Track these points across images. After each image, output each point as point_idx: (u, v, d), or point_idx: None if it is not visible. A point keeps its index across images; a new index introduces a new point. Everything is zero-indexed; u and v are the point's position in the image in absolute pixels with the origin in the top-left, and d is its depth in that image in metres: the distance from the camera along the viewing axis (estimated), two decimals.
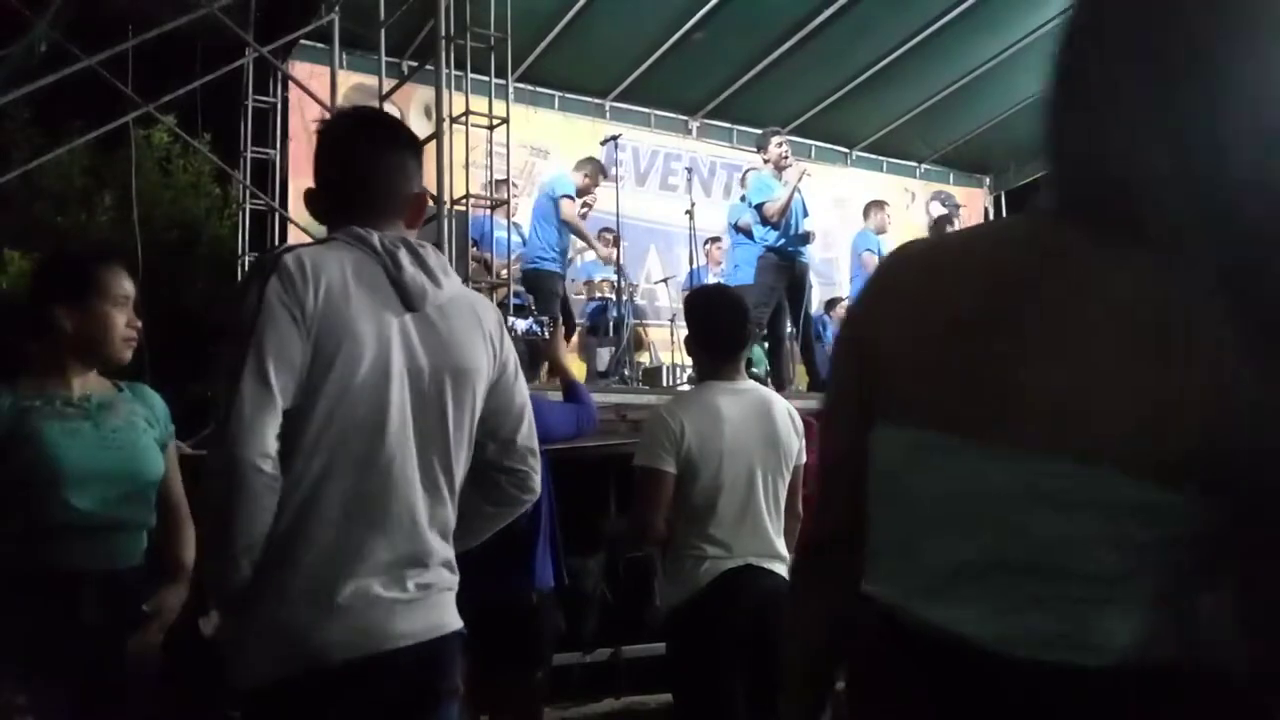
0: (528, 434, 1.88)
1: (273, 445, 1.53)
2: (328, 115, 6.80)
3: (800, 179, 6.75)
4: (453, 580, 1.74)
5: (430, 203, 5.69)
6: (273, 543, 1.56)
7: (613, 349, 7.17)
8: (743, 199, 7.27)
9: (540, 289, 6.59)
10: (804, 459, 2.97)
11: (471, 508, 1.82)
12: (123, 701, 2.09)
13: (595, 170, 7.17)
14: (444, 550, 1.72)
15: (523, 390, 1.89)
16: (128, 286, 2.25)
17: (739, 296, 3.25)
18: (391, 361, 1.65)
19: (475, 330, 1.78)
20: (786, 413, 2.94)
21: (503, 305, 5.83)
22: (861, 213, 8.35)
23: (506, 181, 6.19)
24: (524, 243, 6.99)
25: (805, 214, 6.97)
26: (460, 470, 1.76)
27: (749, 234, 6.92)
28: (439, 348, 1.71)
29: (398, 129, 1.92)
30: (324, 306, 1.59)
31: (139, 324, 2.26)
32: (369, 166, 1.79)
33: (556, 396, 3.54)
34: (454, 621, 1.72)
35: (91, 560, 2.08)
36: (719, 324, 2.97)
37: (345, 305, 1.61)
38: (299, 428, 1.58)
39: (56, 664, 1.98)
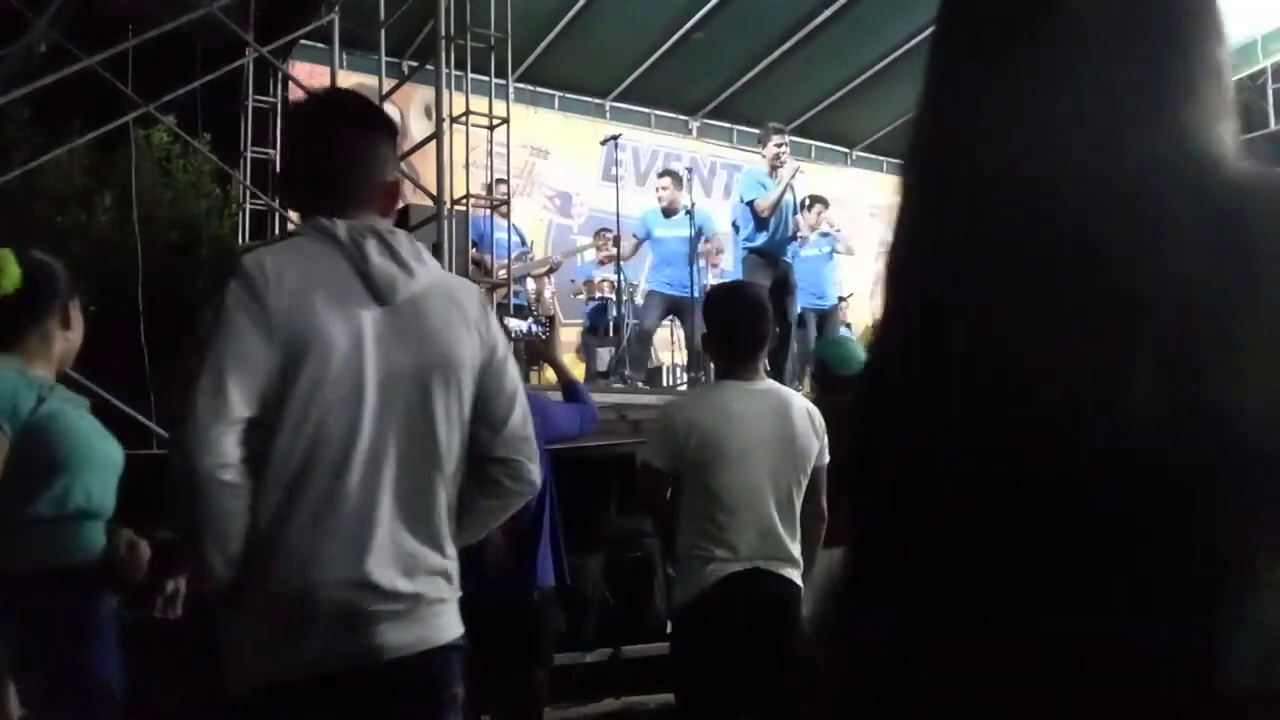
0: (521, 421, 1.77)
1: (232, 453, 1.48)
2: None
3: (793, 176, 6.74)
4: (446, 590, 1.66)
5: (430, 202, 5.72)
6: (253, 549, 1.51)
7: (613, 349, 7.17)
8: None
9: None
10: (825, 459, 2.91)
11: (468, 502, 1.74)
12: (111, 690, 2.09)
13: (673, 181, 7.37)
14: (434, 559, 1.64)
15: (513, 375, 1.78)
16: None
17: (758, 295, 3.19)
18: (365, 361, 1.57)
19: (456, 316, 1.69)
20: (806, 413, 2.86)
21: (502, 306, 5.84)
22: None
23: (507, 181, 6.19)
24: (523, 243, 7.00)
25: (796, 211, 6.96)
26: (454, 468, 1.68)
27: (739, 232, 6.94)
28: (417, 342, 1.63)
29: (370, 113, 1.84)
30: (288, 309, 1.53)
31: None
32: (339, 153, 1.71)
33: (556, 396, 3.54)
34: (445, 634, 1.64)
35: (94, 548, 2.10)
36: (735, 322, 2.94)
37: (310, 305, 1.55)
38: (270, 435, 1.52)
39: (57, 653, 1.99)
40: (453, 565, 1.68)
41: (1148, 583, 0.71)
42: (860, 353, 3.74)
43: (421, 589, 1.60)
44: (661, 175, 7.58)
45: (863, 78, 8.60)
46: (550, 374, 6.07)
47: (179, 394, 1.51)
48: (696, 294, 6.75)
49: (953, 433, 0.76)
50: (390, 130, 1.82)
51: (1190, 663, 0.71)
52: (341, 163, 1.70)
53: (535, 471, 1.79)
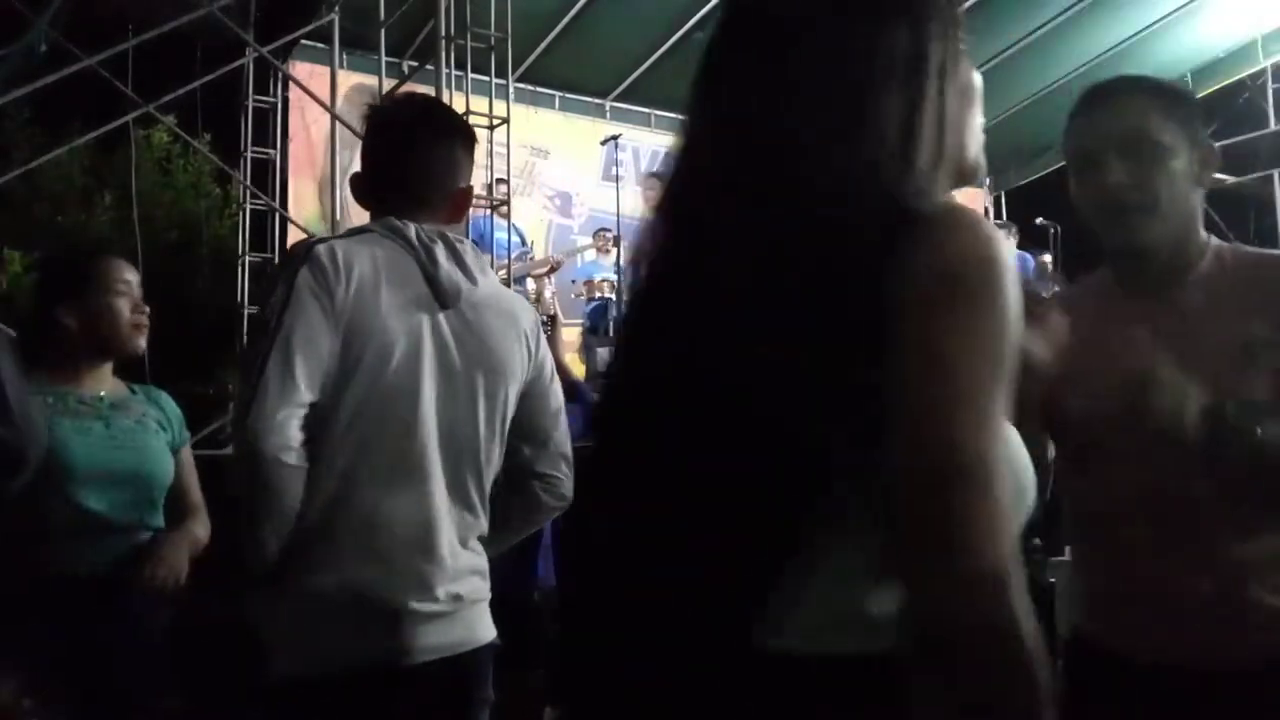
0: (562, 438, 1.83)
1: (296, 436, 1.50)
2: (327, 114, 6.80)
3: None
4: (484, 590, 1.69)
5: None
6: (303, 539, 1.53)
7: (613, 349, 7.16)
8: None
9: None
10: None
11: (503, 513, 1.77)
12: (129, 705, 2.07)
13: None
14: (474, 559, 1.67)
15: (558, 394, 1.84)
16: (128, 275, 2.22)
17: None
18: (422, 359, 1.61)
19: (510, 329, 1.73)
20: None
21: None
22: None
23: (507, 181, 6.19)
24: (523, 243, 7.00)
25: None
26: (490, 474, 1.71)
27: None
28: (472, 346, 1.67)
29: (453, 121, 1.88)
30: (354, 300, 1.55)
31: (146, 310, 2.23)
32: (419, 157, 1.74)
33: None
34: (485, 634, 1.68)
35: (96, 563, 2.06)
36: None
37: (376, 300, 1.58)
38: (327, 423, 1.54)
39: (62, 668, 1.95)
40: (485, 565, 1.71)
41: (700, 553, 0.79)
42: None
43: (463, 589, 1.63)
44: (649, 176, 7.54)
45: None
46: None
47: (245, 374, 1.53)
48: None
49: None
50: (469, 137, 1.84)
51: (733, 628, 0.78)
52: (419, 169, 1.74)
53: (570, 488, 1.82)
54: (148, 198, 8.62)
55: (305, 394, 1.51)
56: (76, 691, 1.97)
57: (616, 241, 7.20)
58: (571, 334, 7.56)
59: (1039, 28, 7.69)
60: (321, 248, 1.58)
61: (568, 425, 3.22)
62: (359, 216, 7.21)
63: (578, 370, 6.54)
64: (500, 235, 6.32)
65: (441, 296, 1.65)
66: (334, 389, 1.54)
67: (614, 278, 7.34)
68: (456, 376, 1.64)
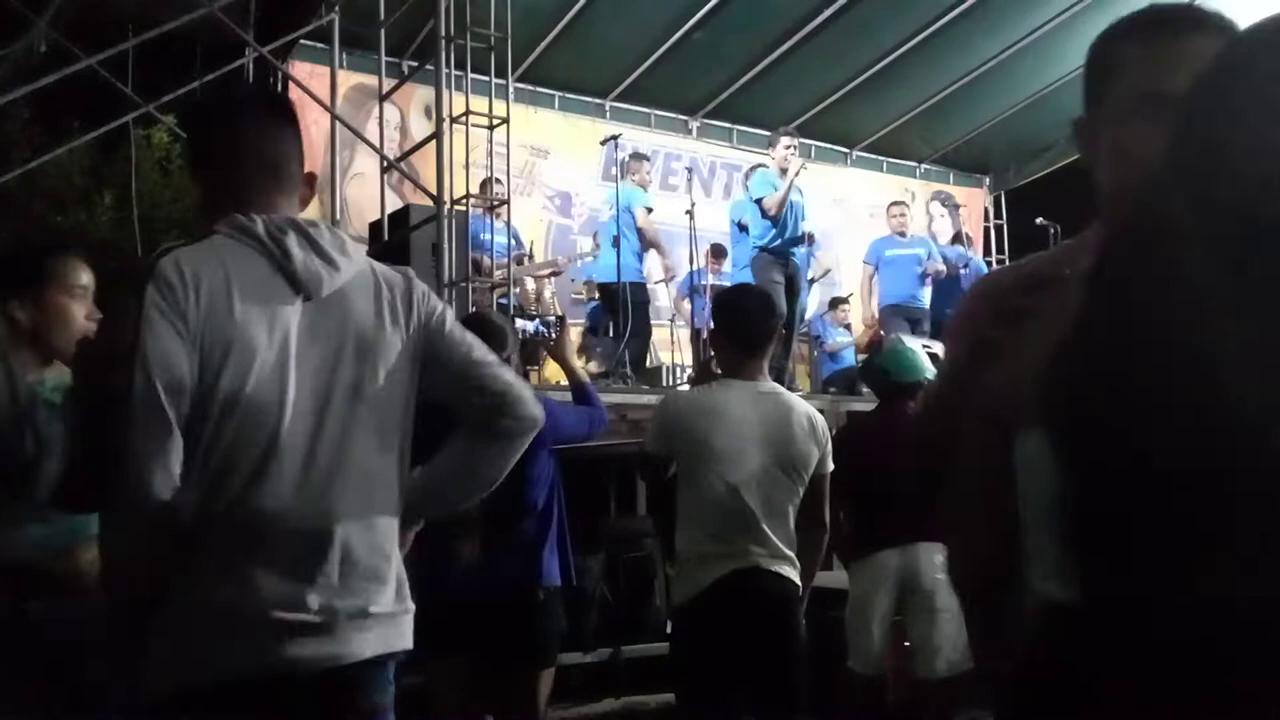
0: (485, 357, 1.75)
1: (177, 476, 1.45)
2: (327, 114, 6.80)
3: (797, 172, 6.78)
4: (383, 599, 1.60)
5: (430, 202, 5.71)
6: (178, 555, 1.49)
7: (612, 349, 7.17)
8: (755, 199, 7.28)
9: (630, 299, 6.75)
10: (827, 468, 2.94)
11: (470, 454, 1.75)
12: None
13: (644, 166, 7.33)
14: (374, 564, 1.59)
15: (469, 341, 1.76)
16: (85, 278, 2.19)
17: (768, 295, 3.25)
18: (289, 361, 1.55)
19: (383, 306, 1.66)
20: (807, 419, 2.89)
21: (501, 307, 5.83)
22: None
23: (506, 182, 6.19)
24: (519, 244, 7.00)
25: (803, 216, 6.98)
26: (397, 463, 1.65)
27: (747, 232, 6.94)
28: (343, 334, 1.61)
29: (278, 104, 1.79)
30: (207, 314, 1.49)
31: (99, 317, 2.16)
32: (253, 146, 1.66)
33: (564, 397, 3.54)
34: (363, 650, 1.57)
35: (38, 549, 2.04)
36: (744, 319, 2.96)
37: (230, 310, 1.51)
38: (190, 443, 1.48)
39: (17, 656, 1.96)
40: (390, 571, 1.63)
41: None
42: (922, 361, 3.73)
43: (341, 603, 1.55)
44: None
45: (863, 78, 8.60)
46: (550, 373, 6.07)
47: (113, 412, 1.47)
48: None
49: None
50: (297, 122, 1.76)
51: None
52: (259, 158, 1.65)
53: (526, 405, 1.75)
54: (148, 198, 8.62)
55: (177, 427, 1.46)
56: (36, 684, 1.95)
57: (616, 242, 7.19)
58: (572, 335, 7.56)
59: (1039, 28, 7.70)
60: (166, 262, 1.51)
61: (571, 423, 3.24)
62: (359, 216, 7.18)
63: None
64: (491, 236, 6.30)
65: (301, 289, 1.58)
66: (195, 409, 1.48)
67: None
68: (332, 367, 1.59)
